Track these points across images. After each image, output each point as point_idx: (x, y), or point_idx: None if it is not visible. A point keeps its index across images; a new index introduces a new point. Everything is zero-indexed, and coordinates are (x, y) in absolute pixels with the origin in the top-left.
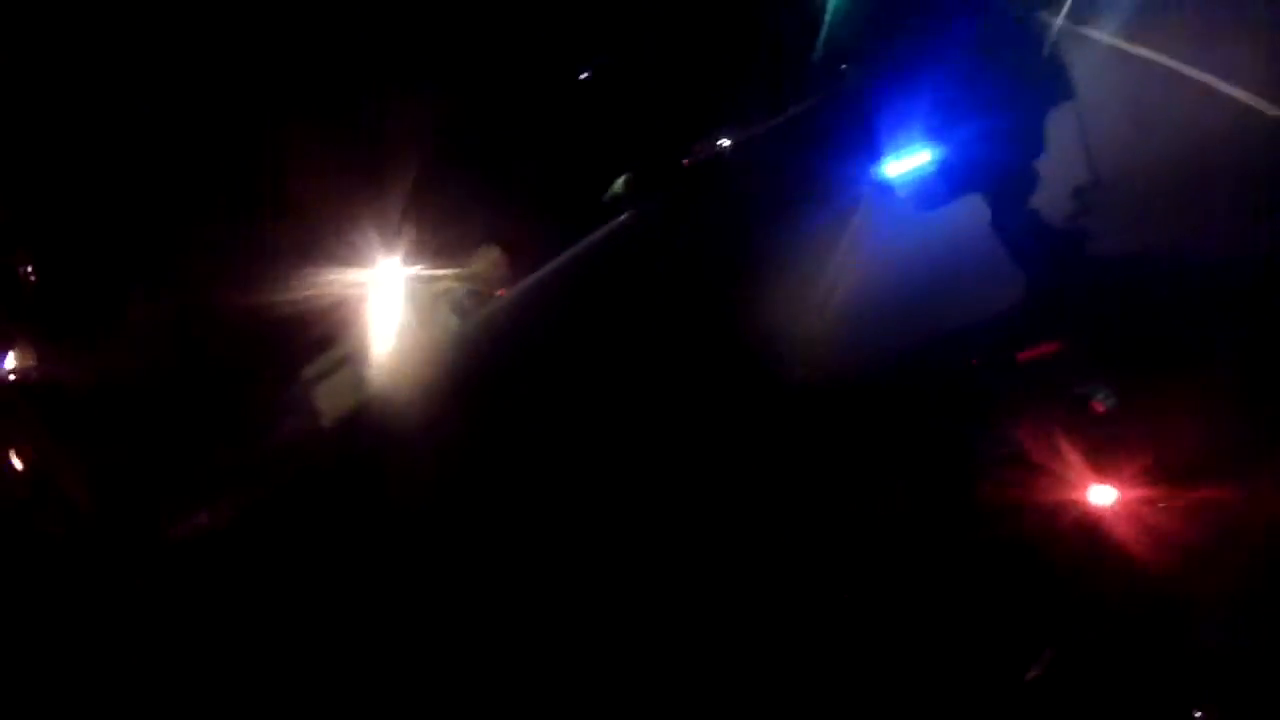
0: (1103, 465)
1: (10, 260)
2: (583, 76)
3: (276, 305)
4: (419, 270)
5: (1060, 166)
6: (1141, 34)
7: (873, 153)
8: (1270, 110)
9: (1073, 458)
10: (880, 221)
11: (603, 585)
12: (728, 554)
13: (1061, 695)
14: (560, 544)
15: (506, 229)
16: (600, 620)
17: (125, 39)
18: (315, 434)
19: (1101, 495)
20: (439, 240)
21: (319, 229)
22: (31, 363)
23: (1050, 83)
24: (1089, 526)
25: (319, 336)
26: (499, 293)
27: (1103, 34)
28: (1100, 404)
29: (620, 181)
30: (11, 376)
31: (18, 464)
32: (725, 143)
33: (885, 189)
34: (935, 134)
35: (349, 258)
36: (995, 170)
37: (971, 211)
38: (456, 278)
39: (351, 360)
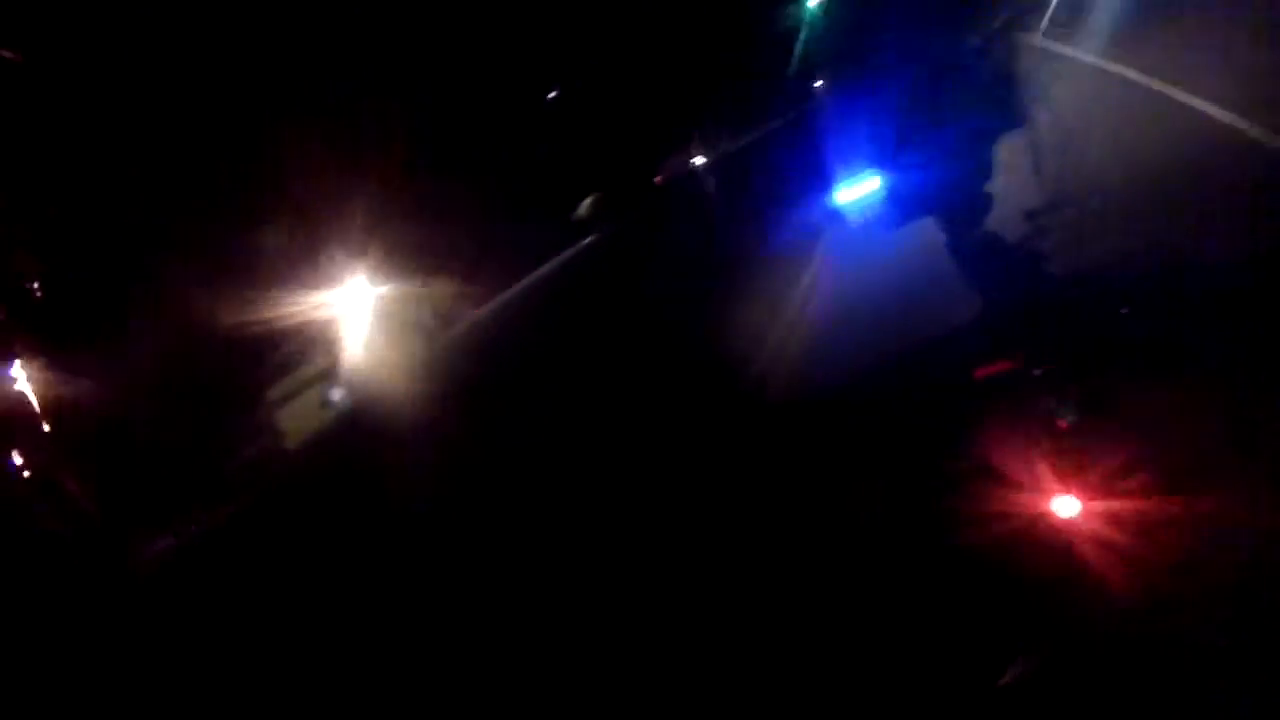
0: (1066, 477)
1: (15, 268)
2: (551, 96)
3: (243, 326)
4: (387, 289)
5: (1015, 188)
6: (1120, 52)
7: (825, 180)
8: (1248, 129)
9: (1037, 470)
10: (842, 244)
11: (570, 603)
12: (701, 563)
13: (1032, 699)
14: (533, 557)
15: (475, 248)
16: (572, 628)
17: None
18: (280, 455)
19: (1065, 506)
20: (407, 259)
21: (286, 250)
22: (36, 366)
23: (1011, 106)
24: (1053, 536)
25: (284, 357)
26: (467, 312)
27: (1081, 52)
28: (1063, 419)
29: (589, 201)
30: (17, 381)
31: (22, 464)
32: (698, 160)
33: (837, 215)
34: (884, 162)
35: (316, 278)
36: (947, 195)
37: (928, 234)
38: (425, 297)
39: (318, 380)
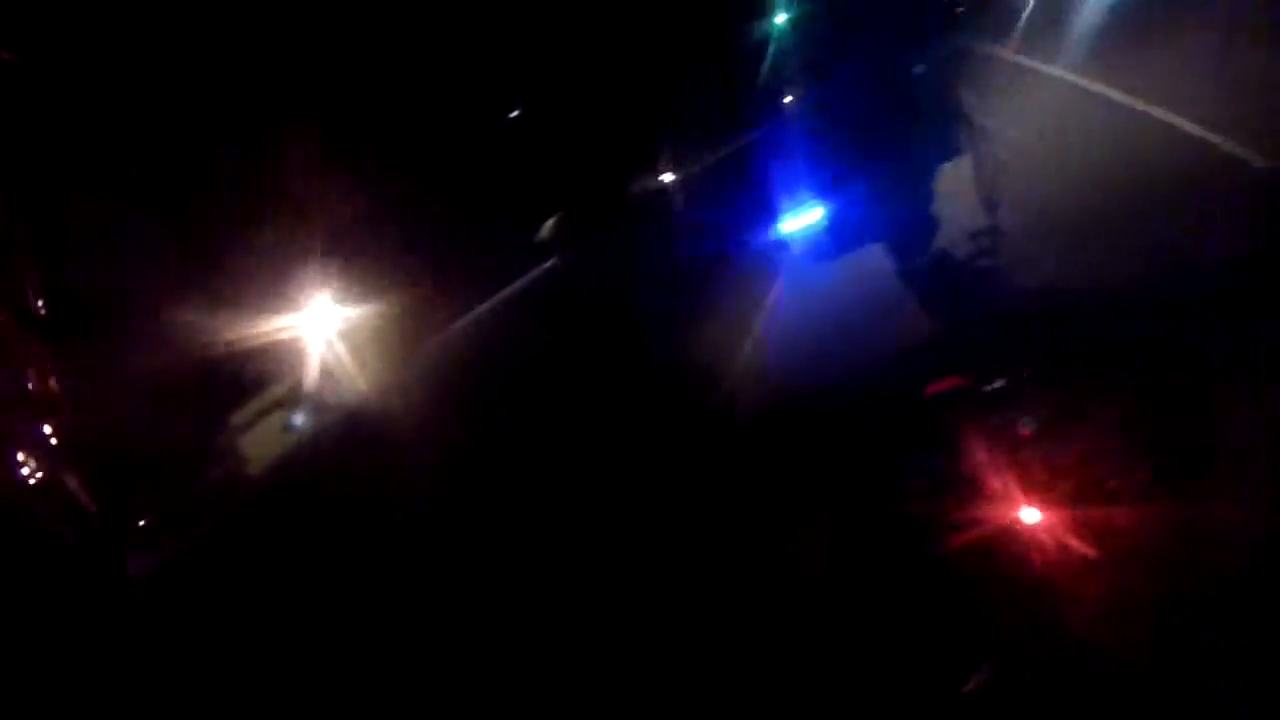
0: (1029, 486)
1: (16, 269)
2: (513, 114)
3: (204, 349)
4: (348, 311)
5: (968, 210)
6: (1092, 68)
7: (772, 209)
8: (1221, 143)
9: (999, 480)
10: (790, 272)
11: (531, 624)
12: (666, 584)
13: (996, 708)
14: (497, 583)
15: (436, 270)
16: (534, 645)
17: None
18: (242, 482)
19: (1029, 514)
20: (369, 281)
21: (246, 270)
22: (40, 369)
23: (971, 125)
24: (1018, 544)
25: (245, 381)
26: (430, 336)
27: (1052, 68)
28: (1024, 428)
29: (551, 222)
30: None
31: (24, 465)
32: (667, 178)
33: (785, 244)
34: (829, 191)
35: (277, 300)
36: (895, 220)
37: (876, 260)
38: (386, 319)
39: (280, 405)
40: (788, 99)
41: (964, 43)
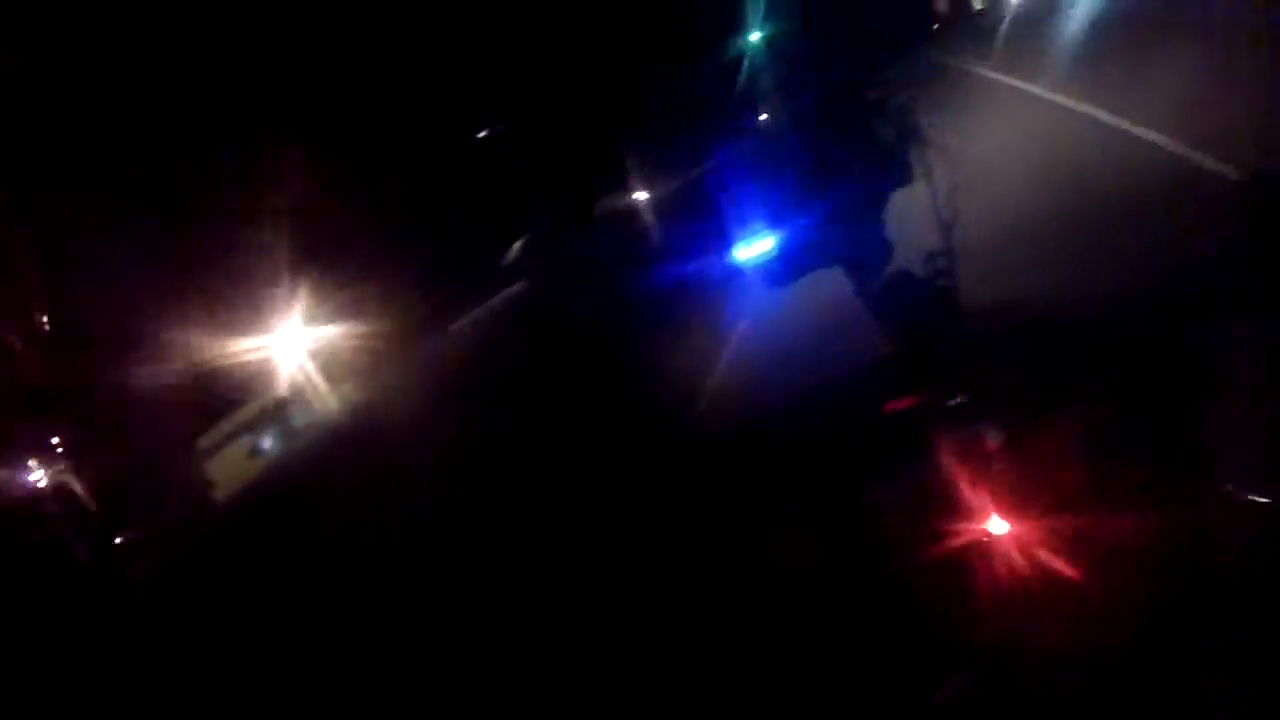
0: (996, 498)
1: (19, 272)
2: (481, 135)
3: (174, 371)
4: (318, 332)
5: (924, 230)
6: (1063, 83)
7: (729, 236)
8: (1196, 156)
9: (967, 493)
10: (748, 297)
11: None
12: (639, 596)
13: (970, 713)
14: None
15: (405, 291)
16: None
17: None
18: (211, 505)
19: (997, 526)
20: (338, 303)
21: (218, 293)
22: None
23: (937, 144)
24: (987, 556)
25: (215, 403)
26: (396, 355)
27: (1024, 83)
28: (990, 442)
29: (519, 244)
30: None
31: (26, 465)
32: (638, 196)
33: (739, 271)
34: (784, 218)
35: (248, 322)
36: (850, 243)
37: (834, 283)
38: (357, 339)
39: (249, 427)
40: (762, 116)
41: (940, 59)
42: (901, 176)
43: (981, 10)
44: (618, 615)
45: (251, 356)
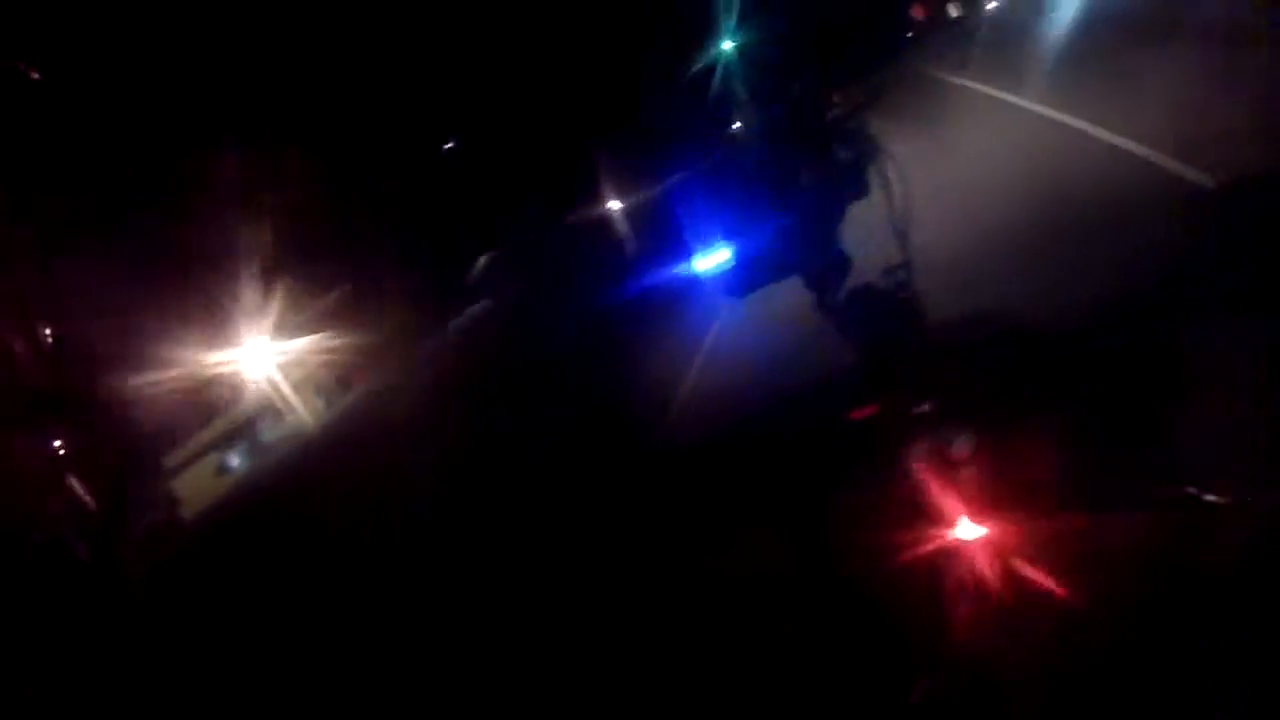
0: (967, 504)
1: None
2: (447, 147)
3: (141, 388)
4: (284, 350)
5: (882, 240)
6: (1041, 93)
7: (688, 247)
8: (1171, 165)
9: (937, 499)
10: (715, 307)
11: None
12: (609, 605)
13: (943, 711)
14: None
15: (371, 311)
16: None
17: None
18: (178, 525)
19: (967, 531)
20: (304, 320)
21: (184, 309)
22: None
23: (878, 160)
24: (956, 561)
25: (182, 421)
26: (363, 375)
27: (999, 91)
28: (960, 448)
29: (483, 261)
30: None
31: (26, 464)
32: (605, 209)
33: (701, 282)
34: (741, 229)
35: (215, 338)
36: (808, 255)
37: (796, 293)
38: (323, 356)
39: (216, 446)
40: (735, 125)
41: (915, 67)
42: (864, 186)
43: (959, 19)
44: (585, 627)
45: (220, 372)
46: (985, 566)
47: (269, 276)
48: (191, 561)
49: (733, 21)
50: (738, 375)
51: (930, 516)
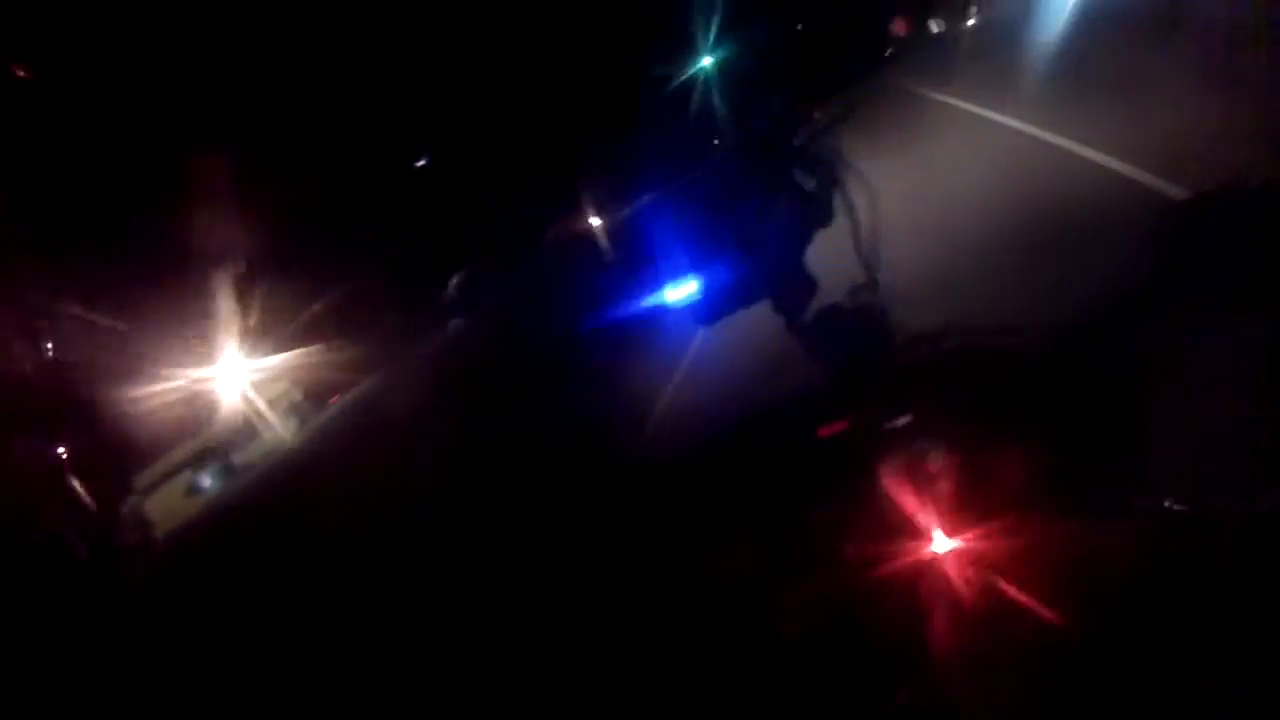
0: (941, 517)
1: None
2: (420, 163)
3: (112, 407)
4: (256, 370)
5: (844, 264)
6: (1017, 107)
7: (658, 278)
8: (1141, 177)
9: (911, 512)
10: (686, 333)
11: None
12: (589, 620)
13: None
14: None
15: (345, 328)
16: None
17: None
18: (149, 545)
19: (941, 544)
20: (276, 339)
21: (158, 329)
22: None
23: (848, 181)
24: (931, 573)
25: (151, 442)
26: (334, 397)
27: (975, 105)
28: (934, 461)
29: (456, 280)
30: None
31: (27, 467)
32: (594, 221)
33: (670, 310)
34: (710, 259)
35: (187, 357)
36: (776, 280)
37: (765, 317)
38: (293, 375)
39: (187, 466)
40: (714, 141)
41: (896, 82)
42: (831, 211)
43: (938, 34)
44: (563, 640)
45: (192, 391)
46: (960, 579)
47: (242, 293)
48: (166, 581)
49: (712, 37)
50: (713, 393)
51: (905, 530)
